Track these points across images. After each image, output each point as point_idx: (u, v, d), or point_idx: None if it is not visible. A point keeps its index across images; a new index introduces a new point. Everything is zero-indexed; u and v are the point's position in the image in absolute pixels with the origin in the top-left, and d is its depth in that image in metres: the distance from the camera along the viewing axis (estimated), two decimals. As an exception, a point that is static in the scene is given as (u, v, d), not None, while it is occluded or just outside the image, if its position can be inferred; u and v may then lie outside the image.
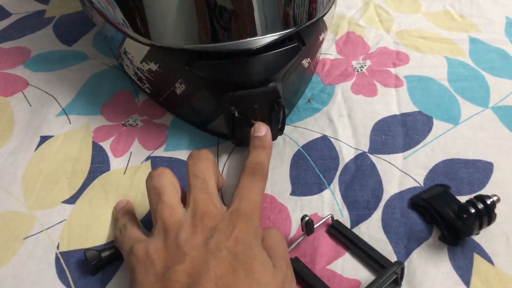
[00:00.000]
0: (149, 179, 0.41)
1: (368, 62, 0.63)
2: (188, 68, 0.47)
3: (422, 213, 0.46)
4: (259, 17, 0.46)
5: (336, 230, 0.44)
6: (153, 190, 0.40)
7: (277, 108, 0.48)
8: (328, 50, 0.65)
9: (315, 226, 0.43)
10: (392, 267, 0.39)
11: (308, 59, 0.53)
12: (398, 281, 0.39)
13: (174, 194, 0.40)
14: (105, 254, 0.42)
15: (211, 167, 0.42)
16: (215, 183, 0.42)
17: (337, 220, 0.45)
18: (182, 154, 0.53)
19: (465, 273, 0.41)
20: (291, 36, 0.49)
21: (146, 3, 0.46)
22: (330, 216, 0.45)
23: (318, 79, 0.61)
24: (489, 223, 0.40)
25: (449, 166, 0.49)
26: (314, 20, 0.50)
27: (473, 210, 0.39)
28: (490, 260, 0.42)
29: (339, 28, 0.69)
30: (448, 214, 0.43)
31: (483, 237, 0.43)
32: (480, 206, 0.39)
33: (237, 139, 0.50)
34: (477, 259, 0.42)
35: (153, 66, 0.50)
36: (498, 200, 0.40)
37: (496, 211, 0.40)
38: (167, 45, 0.47)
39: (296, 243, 0.43)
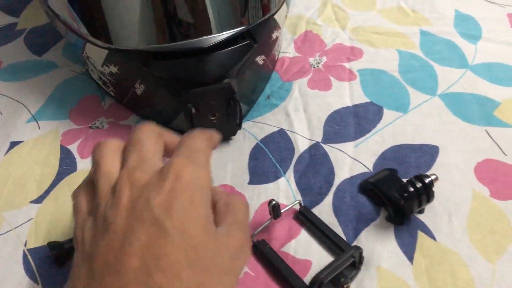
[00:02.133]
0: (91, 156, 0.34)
1: (324, 59, 0.66)
2: (145, 68, 0.50)
3: (370, 196, 0.48)
4: (211, 16, 0.49)
5: (303, 216, 0.47)
6: (93, 165, 0.33)
7: (233, 103, 0.50)
8: (287, 48, 0.68)
9: (282, 211, 0.45)
10: (350, 250, 0.41)
11: (263, 56, 0.56)
12: (356, 264, 0.42)
13: (112, 159, 0.32)
14: (68, 245, 0.44)
15: (151, 134, 0.34)
16: (155, 146, 0.33)
17: (304, 206, 0.48)
18: (146, 152, 0.55)
19: (409, 250, 0.43)
20: (243, 34, 0.52)
21: (101, 8, 0.48)
22: (298, 201, 0.47)
23: (277, 77, 0.64)
24: (428, 201, 0.43)
25: (398, 152, 0.52)
26: (264, 18, 0.53)
27: (411, 189, 0.42)
28: (432, 236, 0.44)
29: (297, 28, 0.72)
30: (393, 195, 0.45)
31: (427, 216, 0.46)
32: (419, 185, 0.42)
33: (196, 135, 0.53)
34: (421, 236, 0.44)
35: (113, 69, 0.53)
36: (436, 179, 0.43)
37: (438, 190, 0.43)
38: (123, 47, 0.49)
39: (263, 226, 0.45)
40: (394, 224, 0.45)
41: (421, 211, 0.45)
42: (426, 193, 0.42)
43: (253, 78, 0.57)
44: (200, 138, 0.33)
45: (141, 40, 0.49)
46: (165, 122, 0.56)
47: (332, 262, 0.40)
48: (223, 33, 0.49)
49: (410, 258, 0.43)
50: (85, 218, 0.31)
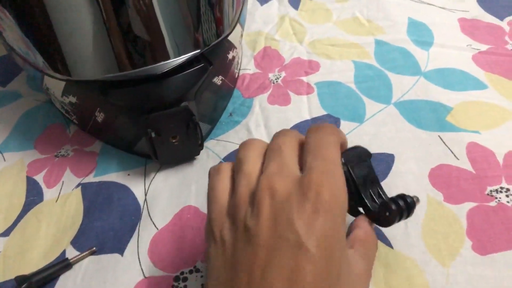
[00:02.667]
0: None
1: (283, 74, 0.67)
2: (103, 97, 0.50)
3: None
4: (165, 42, 0.50)
5: None
6: (236, 162, 0.35)
7: (192, 125, 0.51)
8: (247, 65, 0.70)
9: None
10: None
11: (220, 76, 0.57)
12: None
13: (255, 160, 0.34)
14: (36, 278, 0.45)
15: (291, 140, 0.35)
16: (294, 153, 0.34)
17: None
18: (111, 177, 0.56)
19: (367, 257, 0.45)
20: (198, 58, 0.53)
21: (56, 40, 0.49)
22: None
23: (239, 94, 0.65)
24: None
25: (355, 162, 0.54)
26: (218, 41, 0.54)
27: (394, 207, 0.37)
28: (389, 244, 0.46)
29: (256, 44, 0.74)
30: (372, 204, 0.39)
31: (384, 223, 0.47)
32: (401, 203, 0.38)
33: (159, 158, 0.54)
34: (379, 244, 0.46)
35: (72, 99, 0.54)
36: (418, 200, 0.39)
37: (405, 240, 0.44)
38: (80, 78, 0.50)
39: None
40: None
41: None
42: (407, 214, 0.38)
43: (212, 98, 0.58)
44: (332, 142, 0.34)
45: (97, 70, 0.50)
46: (129, 146, 0.57)
47: None
48: (178, 58, 0.50)
49: (369, 267, 0.44)
50: (223, 214, 0.32)
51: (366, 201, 0.39)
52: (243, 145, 0.36)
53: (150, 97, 0.50)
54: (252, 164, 0.34)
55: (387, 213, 0.38)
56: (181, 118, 0.51)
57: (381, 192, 0.40)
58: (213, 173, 0.37)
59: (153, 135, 0.51)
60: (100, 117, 0.54)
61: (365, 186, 0.39)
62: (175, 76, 0.51)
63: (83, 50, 0.49)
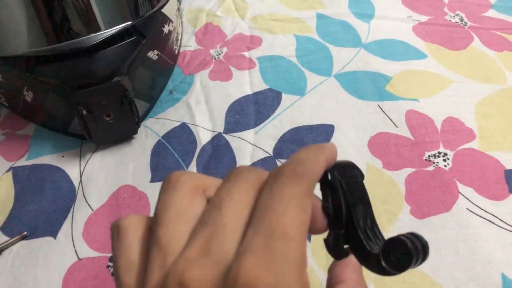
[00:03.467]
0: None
1: (225, 49, 0.66)
2: (28, 74, 0.48)
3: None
4: (94, 13, 0.48)
5: None
6: (156, 209, 0.22)
7: (125, 102, 0.49)
8: (188, 42, 0.68)
9: None
10: None
11: (156, 51, 0.55)
12: None
13: (182, 222, 0.21)
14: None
15: (245, 188, 0.21)
16: (238, 219, 0.20)
17: None
18: (45, 160, 0.53)
19: (308, 227, 0.44)
20: (130, 31, 0.51)
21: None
22: None
23: (179, 71, 0.63)
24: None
25: (296, 134, 0.53)
26: (150, 13, 0.52)
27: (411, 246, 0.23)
28: (329, 212, 0.45)
29: (198, 21, 0.72)
30: (368, 241, 0.24)
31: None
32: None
33: (93, 137, 0.51)
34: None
35: (-2, 78, 0.51)
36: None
37: None
38: (3, 54, 0.47)
39: None
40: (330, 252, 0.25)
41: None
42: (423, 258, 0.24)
43: (149, 74, 0.56)
44: (293, 197, 0.19)
45: (21, 44, 0.48)
46: (63, 127, 0.55)
47: None
48: (108, 30, 0.48)
49: (308, 236, 0.44)
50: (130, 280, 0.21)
51: (362, 236, 0.24)
52: (168, 182, 0.22)
53: (79, 72, 0.48)
54: (174, 229, 0.20)
55: (399, 255, 0.23)
56: (113, 94, 0.49)
57: (375, 229, 0.25)
58: (115, 231, 0.23)
59: (84, 112, 0.48)
60: (29, 96, 0.52)
61: (359, 215, 0.25)
62: (105, 49, 0.48)
63: (4, 22, 0.47)
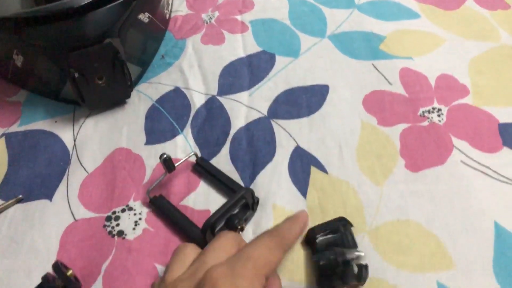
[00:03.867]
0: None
1: (216, 13, 0.65)
2: (17, 36, 0.47)
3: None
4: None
5: (200, 167, 0.47)
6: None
7: (117, 64, 0.49)
8: (179, 7, 0.67)
9: (176, 165, 0.45)
10: (239, 192, 0.41)
11: (147, 14, 0.54)
12: (250, 206, 0.42)
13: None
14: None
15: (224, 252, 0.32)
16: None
17: (201, 157, 0.48)
18: (38, 125, 0.53)
19: (302, 186, 0.44)
20: (120, -8, 0.50)
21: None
22: (192, 153, 0.47)
23: (171, 36, 0.63)
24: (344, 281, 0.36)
25: (290, 95, 0.53)
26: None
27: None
28: (324, 170, 0.45)
29: (188, -14, 0.71)
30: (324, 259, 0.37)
31: (319, 151, 0.47)
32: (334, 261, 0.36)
33: (86, 101, 0.51)
34: (314, 171, 0.45)
35: (-14, 42, 0.50)
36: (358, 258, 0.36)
37: (329, 125, 0.44)
38: (-11, 16, 0.47)
39: (157, 181, 0.45)
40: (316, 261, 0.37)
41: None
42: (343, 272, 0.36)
43: (140, 38, 0.55)
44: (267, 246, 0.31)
45: (9, 5, 0.47)
46: (55, 92, 0.54)
47: (223, 206, 0.40)
48: (97, -10, 0.47)
49: (304, 193, 0.44)
50: None
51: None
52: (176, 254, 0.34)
53: (69, 34, 0.47)
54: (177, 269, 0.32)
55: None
56: (105, 56, 0.48)
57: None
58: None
59: (76, 75, 0.48)
60: (19, 60, 0.51)
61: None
62: (96, 10, 0.48)
63: (-9, -15, 0.46)
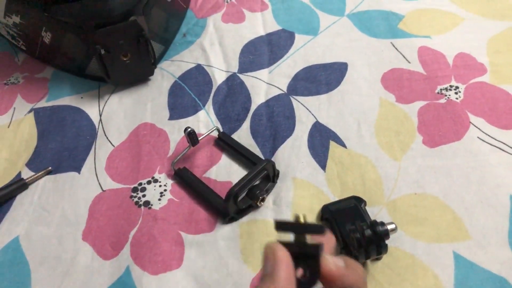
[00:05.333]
0: None
1: (237, -8, 0.66)
2: (46, 14, 0.49)
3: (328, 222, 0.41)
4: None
5: (222, 141, 0.48)
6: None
7: (142, 41, 0.50)
8: (200, -14, 0.68)
9: (200, 139, 0.46)
10: (260, 163, 0.43)
11: (170, -8, 0.56)
12: (271, 178, 0.44)
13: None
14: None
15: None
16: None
17: (223, 132, 0.49)
18: (64, 101, 0.55)
19: (322, 159, 0.46)
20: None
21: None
22: (215, 128, 0.49)
23: (192, 14, 0.64)
24: (378, 253, 0.37)
25: (309, 72, 0.54)
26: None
27: (358, 236, 0.36)
28: (343, 144, 0.47)
29: (209, -35, 0.72)
30: (348, 235, 0.37)
31: (338, 126, 0.48)
32: (368, 233, 0.36)
33: (111, 78, 0.53)
34: (332, 145, 0.47)
35: (16, 19, 0.51)
36: (394, 230, 0.37)
37: (348, 102, 0.44)
38: (20, -7, 0.48)
39: (182, 154, 0.46)
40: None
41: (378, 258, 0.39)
42: (376, 243, 0.36)
43: (163, 16, 0.57)
44: None
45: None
46: (80, 69, 0.56)
47: (245, 176, 0.41)
48: (124, -31, 0.49)
49: (323, 166, 0.45)
50: None
51: (342, 232, 0.38)
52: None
53: (96, 11, 0.48)
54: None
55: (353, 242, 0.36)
56: (130, 33, 0.50)
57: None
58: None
59: (102, 52, 0.49)
60: (47, 37, 0.53)
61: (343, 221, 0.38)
62: (121, -11, 0.49)
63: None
